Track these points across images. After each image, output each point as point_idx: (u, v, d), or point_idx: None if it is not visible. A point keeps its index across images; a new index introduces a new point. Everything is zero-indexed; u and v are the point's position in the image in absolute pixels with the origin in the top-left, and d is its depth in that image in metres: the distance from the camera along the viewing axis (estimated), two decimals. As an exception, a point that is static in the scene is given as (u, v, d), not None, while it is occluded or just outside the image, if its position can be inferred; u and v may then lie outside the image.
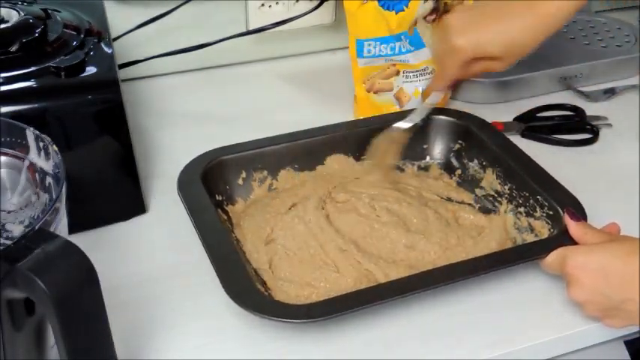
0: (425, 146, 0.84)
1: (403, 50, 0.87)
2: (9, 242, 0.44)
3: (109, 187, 0.72)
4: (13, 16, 0.71)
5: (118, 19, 0.90)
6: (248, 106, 0.96)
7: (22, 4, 0.74)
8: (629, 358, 0.73)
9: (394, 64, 0.88)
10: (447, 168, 0.83)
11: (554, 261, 0.65)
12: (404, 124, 0.79)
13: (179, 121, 0.91)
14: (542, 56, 1.02)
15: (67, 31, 0.72)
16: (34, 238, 0.44)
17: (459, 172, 0.81)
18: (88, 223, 0.71)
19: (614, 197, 0.76)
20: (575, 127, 0.92)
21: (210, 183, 0.73)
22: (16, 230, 0.55)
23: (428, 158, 0.84)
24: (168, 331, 0.63)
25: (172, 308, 0.65)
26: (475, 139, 0.81)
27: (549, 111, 0.95)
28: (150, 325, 0.63)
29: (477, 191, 0.79)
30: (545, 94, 0.99)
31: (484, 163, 0.79)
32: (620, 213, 0.73)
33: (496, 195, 0.77)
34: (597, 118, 0.93)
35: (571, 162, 0.82)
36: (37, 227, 0.45)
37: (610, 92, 0.99)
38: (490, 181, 0.78)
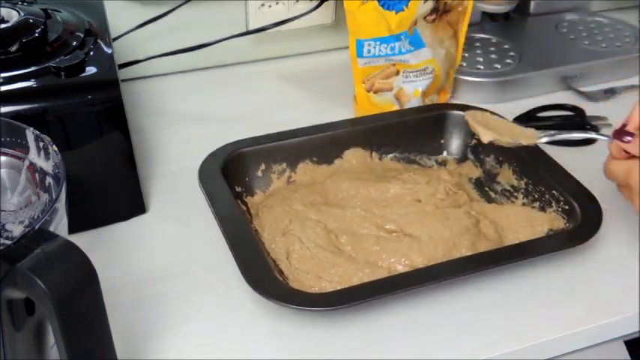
0: (442, 141, 0.85)
1: (403, 50, 0.87)
2: (9, 242, 0.44)
3: (109, 187, 0.72)
4: (13, 16, 0.71)
5: (118, 19, 0.90)
6: (248, 106, 0.96)
7: (22, 4, 0.74)
8: (629, 358, 0.73)
9: (394, 64, 0.88)
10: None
11: (618, 169, 0.65)
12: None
13: (179, 121, 0.91)
14: (542, 56, 1.02)
15: (67, 31, 0.72)
16: (34, 238, 0.44)
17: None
18: (88, 223, 0.71)
19: (614, 197, 0.76)
20: (575, 127, 0.92)
21: (230, 175, 0.74)
22: (16, 230, 0.55)
23: (445, 153, 0.85)
24: (168, 331, 0.63)
25: (172, 308, 0.65)
26: None
27: (549, 111, 0.95)
28: (150, 325, 0.63)
29: (494, 186, 0.80)
30: (545, 94, 0.99)
31: (500, 159, 0.80)
32: (620, 213, 0.73)
33: (512, 190, 0.78)
34: (597, 118, 0.93)
35: (571, 162, 0.82)
36: (37, 227, 0.45)
37: (610, 92, 0.99)
38: (507, 176, 0.79)
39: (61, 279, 0.43)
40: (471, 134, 0.83)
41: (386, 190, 0.76)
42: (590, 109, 0.94)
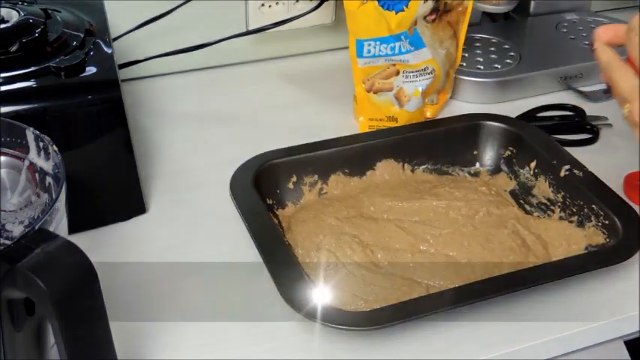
0: (475, 152, 0.83)
1: (403, 50, 0.87)
2: (9, 242, 0.44)
3: (109, 187, 0.72)
4: (13, 16, 0.71)
5: (118, 19, 0.90)
6: (248, 106, 0.96)
7: (22, 4, 0.74)
8: (629, 358, 0.73)
9: (394, 64, 0.88)
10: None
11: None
12: None
13: (179, 121, 0.91)
14: (542, 56, 1.02)
15: (67, 31, 0.72)
16: (34, 238, 0.44)
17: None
18: (88, 223, 0.71)
19: None
20: (575, 127, 0.92)
21: (262, 187, 0.73)
22: (16, 230, 0.55)
23: (477, 165, 0.83)
24: (168, 331, 0.63)
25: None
26: (527, 147, 0.80)
27: (549, 111, 0.95)
28: (150, 325, 0.63)
29: (529, 199, 0.78)
30: (545, 94, 0.99)
31: (536, 171, 0.79)
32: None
33: (549, 203, 0.77)
34: (597, 118, 0.93)
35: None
36: (37, 227, 0.45)
37: (610, 92, 0.99)
38: (542, 188, 0.77)
39: (61, 279, 0.43)
40: (504, 145, 0.81)
41: (422, 207, 0.74)
42: (590, 109, 0.94)
